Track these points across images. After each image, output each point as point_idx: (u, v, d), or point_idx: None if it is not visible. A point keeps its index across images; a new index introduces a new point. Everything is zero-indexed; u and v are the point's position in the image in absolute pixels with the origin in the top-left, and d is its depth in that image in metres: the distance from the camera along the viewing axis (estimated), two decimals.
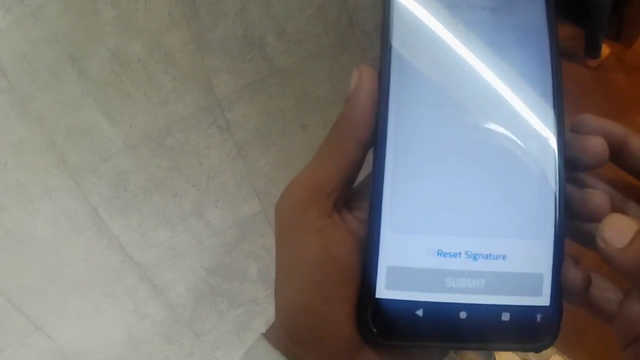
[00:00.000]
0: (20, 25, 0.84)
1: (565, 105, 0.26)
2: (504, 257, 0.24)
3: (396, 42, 0.25)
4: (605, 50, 2.92)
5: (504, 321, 0.24)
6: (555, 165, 0.25)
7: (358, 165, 0.26)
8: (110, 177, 1.01)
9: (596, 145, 0.24)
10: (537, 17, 0.26)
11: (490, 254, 0.24)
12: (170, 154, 1.03)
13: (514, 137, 0.25)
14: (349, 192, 0.27)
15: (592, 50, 2.83)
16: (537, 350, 0.25)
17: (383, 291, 0.24)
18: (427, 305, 0.24)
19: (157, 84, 0.97)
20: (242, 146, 1.06)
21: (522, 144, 0.25)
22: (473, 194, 0.25)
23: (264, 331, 0.26)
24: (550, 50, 0.26)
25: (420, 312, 0.24)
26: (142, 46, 0.93)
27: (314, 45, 1.04)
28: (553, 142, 0.25)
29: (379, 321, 0.24)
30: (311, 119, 1.08)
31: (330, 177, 0.26)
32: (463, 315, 0.24)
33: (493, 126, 0.25)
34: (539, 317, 0.24)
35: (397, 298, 0.24)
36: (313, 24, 1.03)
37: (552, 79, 0.26)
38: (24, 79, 0.87)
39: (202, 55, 0.97)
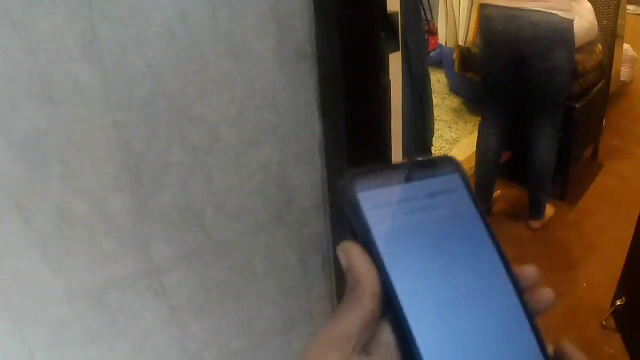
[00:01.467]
0: None
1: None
2: None
3: (374, 227, 0.33)
4: (549, 210, 2.86)
5: None
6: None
7: (374, 314, 0.32)
8: (49, 325, 1.07)
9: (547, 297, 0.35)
10: (466, 206, 0.36)
11: None
12: (108, 310, 1.08)
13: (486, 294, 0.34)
14: (367, 338, 0.32)
15: (535, 212, 2.83)
16: None
17: None
18: None
19: (98, 243, 1.04)
20: (176, 311, 1.10)
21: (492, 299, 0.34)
22: (474, 335, 0.32)
23: None
24: (486, 227, 0.35)
25: None
26: (86, 205, 1.01)
27: (252, 220, 1.09)
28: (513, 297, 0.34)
29: None
30: (246, 291, 1.11)
31: (349, 324, 0.31)
32: None
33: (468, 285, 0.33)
34: None
35: None
36: (252, 199, 1.08)
37: (497, 252, 0.35)
38: None
39: (143, 221, 1.05)
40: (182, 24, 0.94)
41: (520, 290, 0.34)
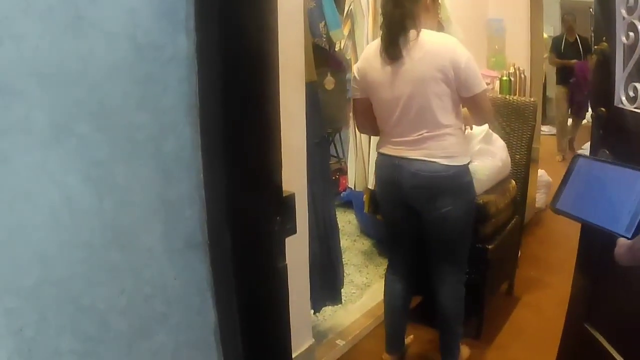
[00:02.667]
0: None
1: None
2: None
3: None
4: (464, 351, 2.86)
5: None
6: None
7: None
8: None
9: None
10: None
11: None
12: None
13: None
14: None
15: (448, 356, 2.71)
16: None
17: None
18: None
19: None
20: None
21: None
22: None
23: None
24: None
25: None
26: None
27: None
28: None
29: None
30: None
31: None
32: None
33: None
34: None
35: None
36: None
37: None
38: None
39: None
40: (68, 211, 0.90)
41: None
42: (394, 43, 2.26)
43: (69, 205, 0.90)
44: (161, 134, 0.99)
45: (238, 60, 0.92)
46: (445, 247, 2.50)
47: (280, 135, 1.02)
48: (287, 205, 1.03)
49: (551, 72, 7.94)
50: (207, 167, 0.96)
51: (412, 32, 2.24)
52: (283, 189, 1.05)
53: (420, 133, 2.31)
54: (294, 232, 1.05)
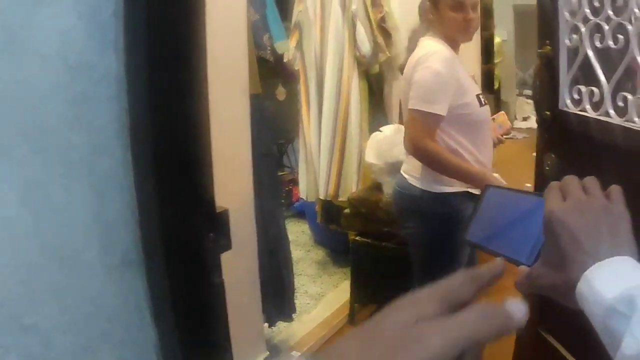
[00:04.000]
0: None
1: None
2: None
3: None
4: None
5: None
6: None
7: None
8: None
9: None
10: None
11: None
12: None
13: None
14: None
15: None
16: None
17: None
18: None
19: None
20: None
21: None
22: None
23: None
24: None
25: None
26: None
27: None
28: None
29: None
30: None
31: None
32: None
33: None
34: None
35: None
36: None
37: None
38: None
39: None
40: (5, 233, 0.90)
41: None
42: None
43: (6, 226, 0.90)
44: (94, 153, 0.99)
45: (165, 77, 0.94)
46: (415, 269, 2.35)
47: (210, 151, 1.03)
48: (220, 221, 1.04)
49: None
50: (139, 185, 0.97)
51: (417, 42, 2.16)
52: (219, 204, 1.06)
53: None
54: (229, 248, 1.06)
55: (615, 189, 0.65)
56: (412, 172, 2.18)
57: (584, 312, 0.57)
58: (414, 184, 2.16)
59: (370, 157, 3.01)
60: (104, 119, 1.00)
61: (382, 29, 3.29)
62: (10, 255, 0.91)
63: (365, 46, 3.25)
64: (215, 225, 1.03)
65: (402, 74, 2.22)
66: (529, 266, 0.66)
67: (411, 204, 2.20)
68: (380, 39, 3.27)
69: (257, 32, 3.11)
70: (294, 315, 2.90)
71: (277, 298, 2.74)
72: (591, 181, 0.66)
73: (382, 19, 3.28)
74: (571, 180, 0.66)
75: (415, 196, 2.16)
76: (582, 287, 0.57)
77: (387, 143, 2.92)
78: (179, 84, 0.94)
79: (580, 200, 0.63)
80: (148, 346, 1.10)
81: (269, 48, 3.27)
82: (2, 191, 0.89)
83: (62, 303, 0.98)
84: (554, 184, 0.67)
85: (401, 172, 2.26)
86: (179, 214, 0.97)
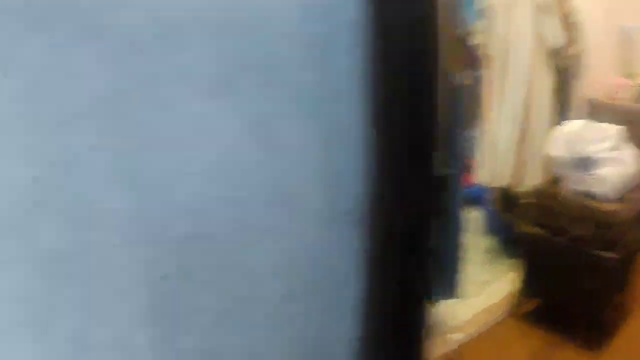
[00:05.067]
0: None
1: None
2: None
3: None
4: None
5: None
6: None
7: None
8: None
9: None
10: None
11: None
12: None
13: None
14: None
15: None
16: None
17: None
18: None
19: None
20: None
21: None
22: None
23: None
24: None
25: None
26: (105, 335, 0.90)
27: None
28: None
29: None
30: None
31: None
32: None
33: None
34: None
35: None
36: (285, 353, 1.04)
37: None
38: None
39: None
40: (228, 165, 0.88)
41: None
42: None
43: (229, 158, 0.88)
44: (326, 97, 0.95)
45: (417, 30, 0.92)
46: None
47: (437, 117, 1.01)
48: (446, 185, 1.03)
49: None
50: (376, 139, 0.95)
51: None
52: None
53: None
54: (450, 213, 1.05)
55: None
56: None
57: None
58: None
59: (554, 150, 2.91)
60: (340, 64, 0.95)
61: (569, 24, 3.17)
62: (228, 189, 0.89)
63: (557, 38, 3.14)
64: (442, 189, 1.02)
65: None
66: None
67: None
68: (569, 33, 3.14)
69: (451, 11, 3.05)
70: (457, 298, 2.86)
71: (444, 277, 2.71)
72: None
73: (569, 14, 3.16)
74: None
75: None
76: None
77: (573, 137, 2.83)
78: (426, 35, 0.92)
79: None
80: (345, 304, 1.09)
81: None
82: (228, 122, 0.86)
83: (277, 246, 0.97)
84: None
85: None
86: (413, 174, 0.96)
